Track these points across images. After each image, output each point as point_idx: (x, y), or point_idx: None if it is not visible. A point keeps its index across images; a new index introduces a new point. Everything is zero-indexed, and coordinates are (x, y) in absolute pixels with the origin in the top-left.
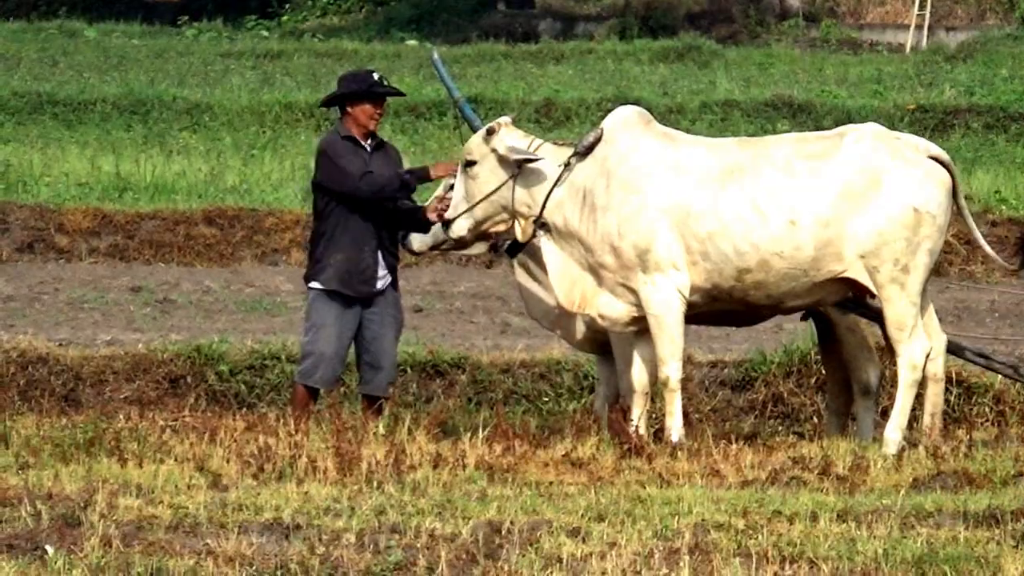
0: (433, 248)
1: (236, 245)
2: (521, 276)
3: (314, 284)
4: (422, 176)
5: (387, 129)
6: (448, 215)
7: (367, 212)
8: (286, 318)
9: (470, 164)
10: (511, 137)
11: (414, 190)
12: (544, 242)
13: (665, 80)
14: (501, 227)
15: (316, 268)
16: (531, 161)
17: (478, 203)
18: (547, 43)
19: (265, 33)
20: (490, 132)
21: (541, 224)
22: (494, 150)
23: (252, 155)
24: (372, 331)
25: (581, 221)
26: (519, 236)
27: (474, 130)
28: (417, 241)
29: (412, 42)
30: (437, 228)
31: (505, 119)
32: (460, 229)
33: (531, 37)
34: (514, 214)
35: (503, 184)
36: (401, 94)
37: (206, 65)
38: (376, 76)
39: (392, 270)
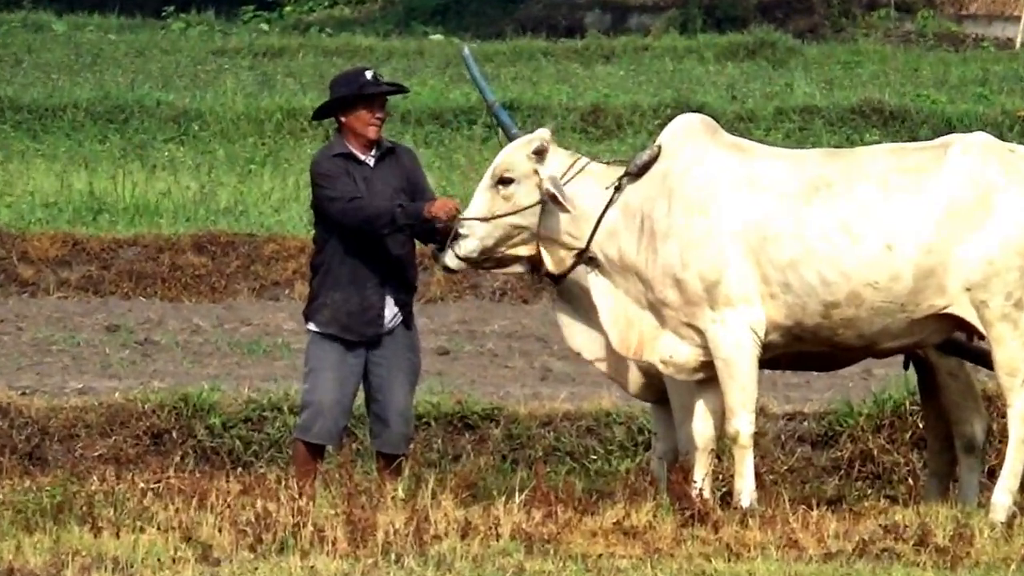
0: (470, 264)
1: (230, 276)
2: (564, 305)
3: (312, 326)
4: (415, 215)
5: (407, 141)
6: (462, 231)
7: (369, 239)
8: (289, 362)
9: (505, 182)
10: (556, 158)
11: (406, 231)
12: (593, 278)
13: (734, 82)
14: (522, 251)
15: (314, 307)
16: (560, 203)
17: (501, 221)
18: (595, 38)
19: (264, 27)
20: (540, 152)
21: (589, 258)
22: (535, 173)
23: (249, 171)
24: (379, 376)
25: (638, 251)
26: (551, 267)
27: (510, 138)
28: (451, 258)
29: (437, 37)
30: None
31: (545, 132)
32: (469, 248)
33: (576, 31)
34: (543, 242)
35: (535, 208)
36: (401, 90)
37: (195, 64)
38: (369, 74)
39: (405, 306)
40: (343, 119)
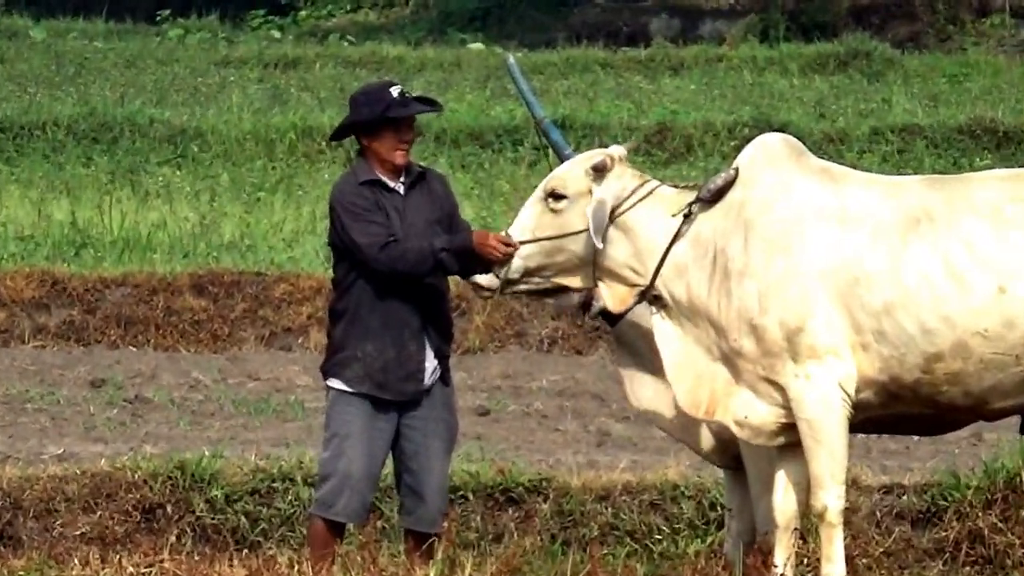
0: (506, 287)
1: (235, 322)
2: (624, 354)
3: (335, 383)
4: (461, 248)
5: (442, 165)
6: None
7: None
8: (303, 423)
9: (556, 197)
10: (621, 180)
11: (453, 271)
12: (658, 321)
13: (822, 98)
14: (574, 281)
15: (337, 360)
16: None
17: (547, 242)
18: (661, 47)
19: (276, 34)
20: (599, 170)
21: (654, 297)
22: (591, 194)
23: (257, 199)
24: (414, 443)
25: (710, 292)
26: (609, 303)
27: (563, 159)
28: (485, 279)
29: (476, 46)
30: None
31: (618, 150)
32: (515, 267)
33: (639, 39)
34: (599, 273)
35: (583, 233)
36: (434, 108)
37: (196, 76)
38: (395, 91)
39: (444, 358)
40: (366, 143)
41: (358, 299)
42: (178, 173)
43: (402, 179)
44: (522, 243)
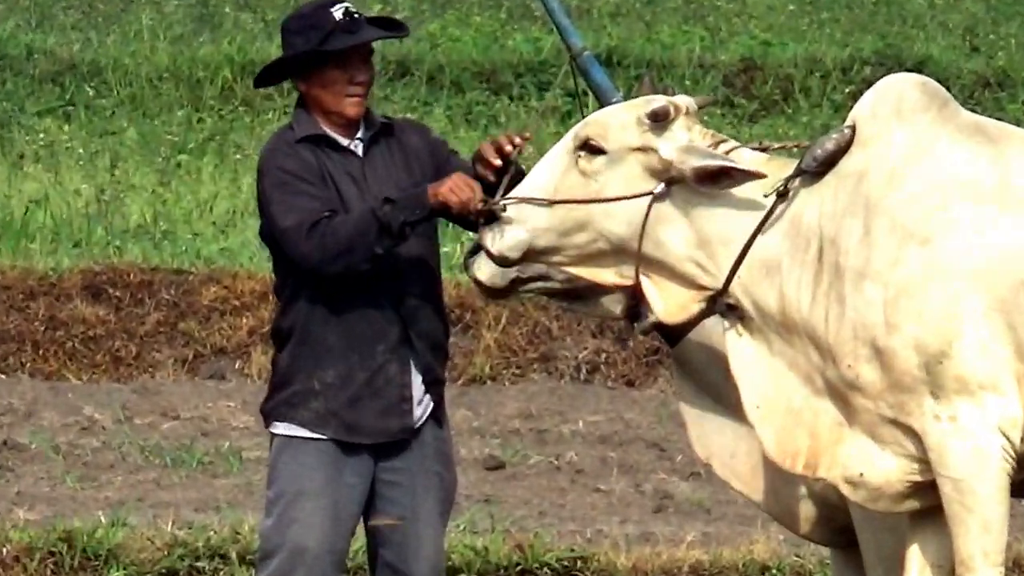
0: (519, 284)
1: (145, 339)
2: (688, 386)
3: (284, 427)
4: (414, 206)
5: (438, 119)
6: (507, 213)
7: (364, 274)
8: (240, 480)
9: (591, 150)
10: (681, 138)
11: (405, 235)
12: (734, 340)
13: (975, 23)
14: (607, 276)
15: (286, 397)
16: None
17: (572, 212)
18: None
19: None
20: (657, 117)
21: (728, 306)
22: (648, 149)
23: (177, 165)
24: (397, 504)
25: (813, 300)
26: (662, 313)
27: (602, 99)
28: (487, 268)
29: None
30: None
31: (688, 100)
32: (511, 241)
33: None
34: (648, 268)
35: (636, 208)
36: (394, 32)
37: None
38: (338, 11)
39: (437, 384)
40: (303, 87)
41: (309, 309)
42: (65, 127)
43: (359, 135)
44: (518, 201)
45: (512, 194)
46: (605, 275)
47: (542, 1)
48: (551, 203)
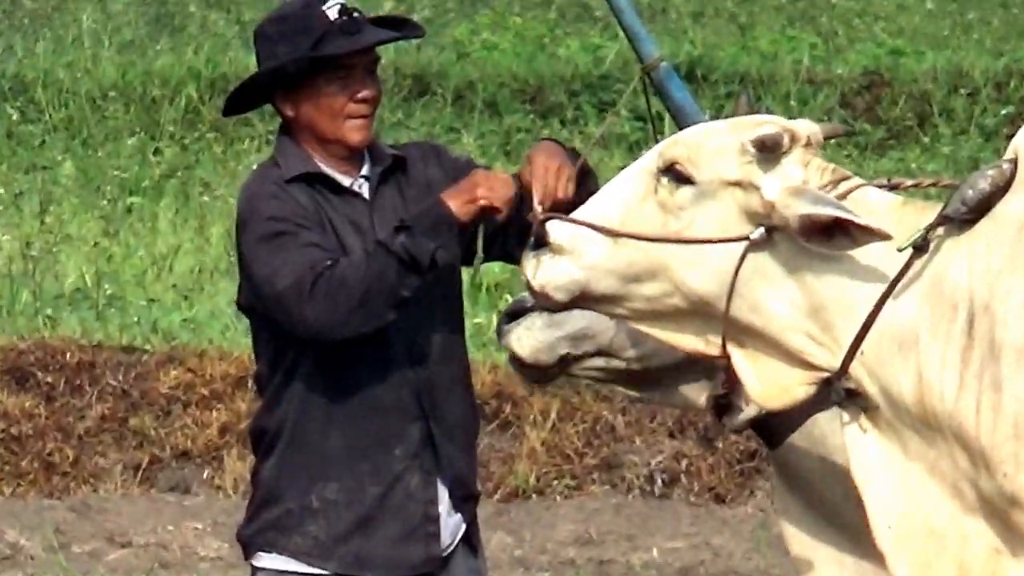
0: (570, 364)
1: (87, 440)
2: (791, 496)
3: (270, 559)
4: (436, 220)
5: (470, 146)
6: (556, 237)
7: (380, 335)
8: None
9: (679, 178)
10: (794, 173)
11: (436, 265)
12: (855, 436)
13: None
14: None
15: (272, 519)
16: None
17: (641, 251)
18: None
19: None
20: (765, 147)
21: (847, 392)
22: (749, 186)
23: (128, 209)
24: None
25: (962, 385)
26: (760, 397)
27: (682, 123)
28: (530, 340)
29: None
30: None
31: (811, 128)
32: (560, 278)
33: None
34: (740, 337)
35: (727, 256)
36: (408, 33)
37: None
38: (332, 9)
39: (469, 500)
40: (288, 109)
41: (304, 402)
42: None
43: (363, 171)
44: (573, 223)
45: (575, 215)
46: (684, 338)
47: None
48: (615, 235)
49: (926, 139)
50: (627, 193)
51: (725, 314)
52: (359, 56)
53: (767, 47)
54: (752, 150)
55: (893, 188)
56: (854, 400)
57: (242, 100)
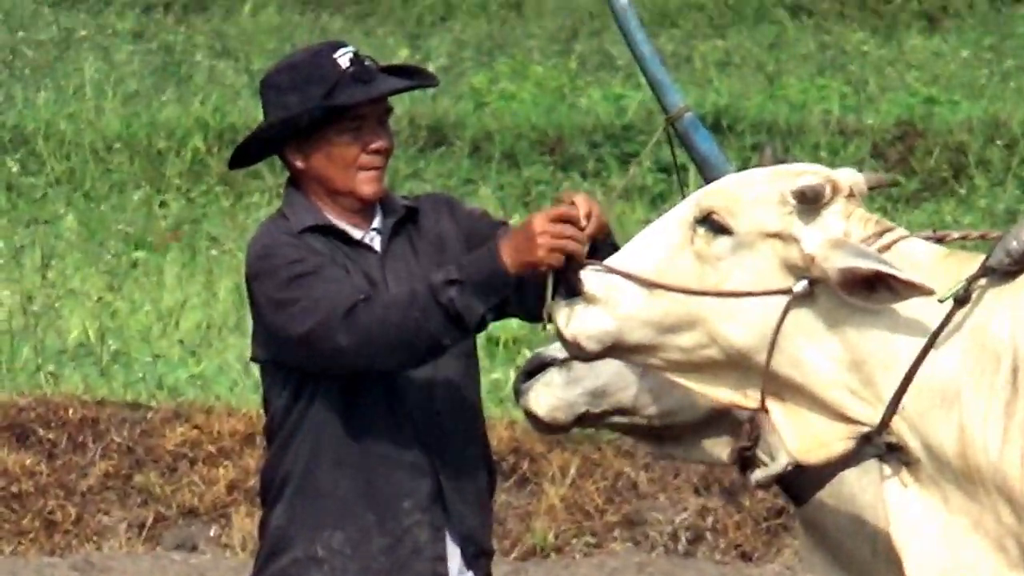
0: (589, 421)
1: (90, 497)
2: (818, 553)
3: None
4: (487, 269)
5: (487, 199)
6: (590, 287)
7: (393, 387)
8: None
9: (717, 228)
10: (844, 224)
11: (484, 326)
12: (895, 491)
13: None
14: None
15: (278, 568)
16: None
17: (677, 304)
18: None
19: None
20: (805, 198)
21: (888, 447)
22: (789, 238)
23: (133, 264)
24: None
25: (1006, 440)
26: (797, 451)
27: (708, 174)
28: (547, 398)
29: None
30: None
31: (855, 178)
32: (593, 328)
33: None
34: (778, 390)
35: (767, 310)
36: (421, 82)
37: (17, 27)
38: (344, 58)
39: (482, 557)
40: (299, 161)
41: (314, 450)
42: None
43: (375, 224)
44: (607, 271)
45: (607, 263)
46: (720, 390)
47: (629, 46)
48: (652, 286)
49: (961, 191)
50: (662, 242)
51: (766, 368)
52: (372, 106)
53: (795, 96)
54: (792, 201)
55: (939, 240)
56: (895, 454)
57: (250, 152)
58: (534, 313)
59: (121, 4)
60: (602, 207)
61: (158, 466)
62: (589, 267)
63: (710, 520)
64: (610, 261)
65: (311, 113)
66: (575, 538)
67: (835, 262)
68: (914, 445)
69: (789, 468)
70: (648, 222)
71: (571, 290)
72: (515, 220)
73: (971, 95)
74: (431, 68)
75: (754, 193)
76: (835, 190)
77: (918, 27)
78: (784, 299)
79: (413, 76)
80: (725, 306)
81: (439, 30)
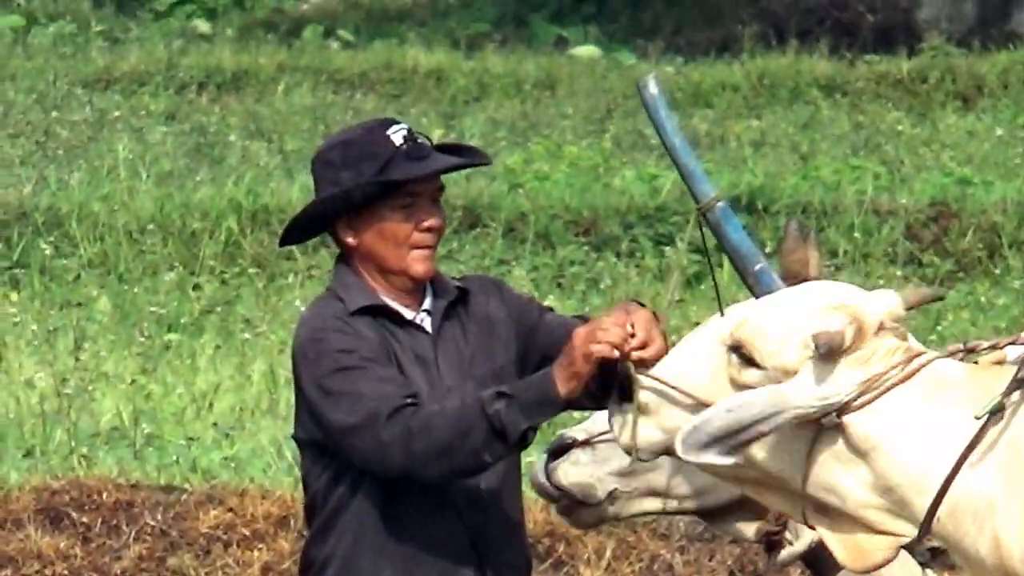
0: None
1: None
2: None
3: None
4: (542, 401)
5: (520, 279)
6: (642, 397)
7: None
8: None
9: (746, 360)
10: (866, 366)
11: (526, 443)
12: None
13: None
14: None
15: None
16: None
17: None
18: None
19: (204, 26)
20: (828, 351)
21: (931, 552)
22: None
23: (166, 347)
24: None
25: None
26: (846, 563)
27: (739, 265)
28: (577, 474)
29: (586, 50)
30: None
31: (889, 305)
32: (645, 438)
33: (896, 39)
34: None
35: (791, 435)
36: (474, 160)
37: (49, 107)
38: (398, 135)
39: None
40: (351, 238)
41: (357, 533)
42: (13, 297)
43: (425, 305)
44: (659, 385)
45: (656, 373)
46: (769, 500)
47: (659, 135)
48: (697, 404)
49: (996, 271)
50: (704, 361)
51: (802, 492)
52: (425, 183)
53: (830, 177)
54: (814, 346)
55: (970, 351)
56: (938, 559)
57: (300, 228)
58: (583, 405)
59: (155, 84)
60: (639, 291)
61: (192, 549)
62: (642, 378)
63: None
64: (657, 371)
65: (364, 189)
66: None
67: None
68: (958, 554)
69: (812, 547)
70: (683, 302)
71: (624, 391)
72: (549, 301)
73: (1006, 175)
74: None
75: (779, 332)
76: (859, 334)
77: (953, 107)
78: (812, 429)
79: (465, 154)
80: (763, 436)
81: (473, 109)
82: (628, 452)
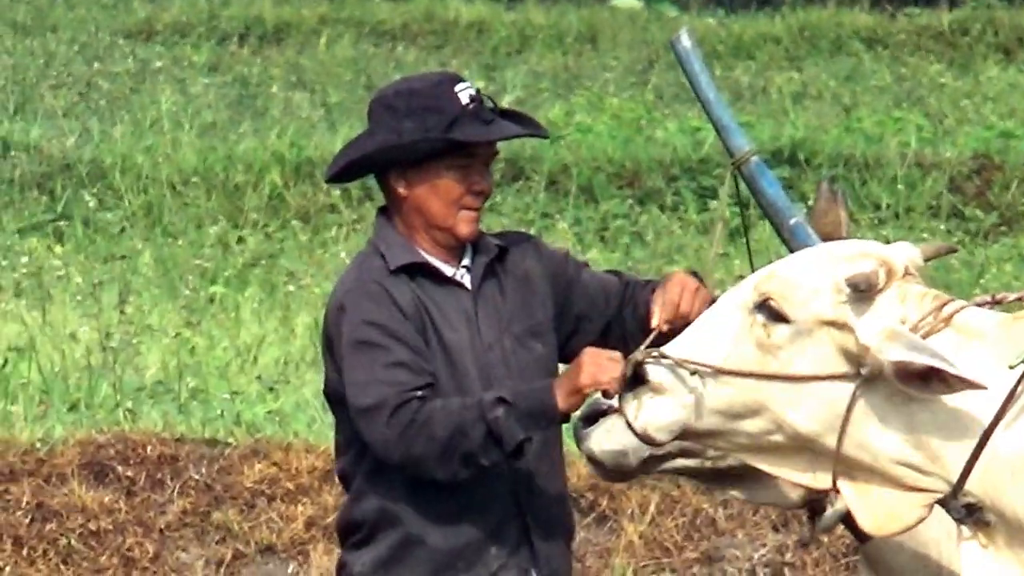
0: (652, 465)
1: (168, 534)
2: None
3: None
4: (539, 414)
5: (562, 234)
6: (655, 376)
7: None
8: None
9: (774, 316)
10: (902, 306)
11: (522, 454)
12: (973, 553)
13: None
14: (783, 471)
15: None
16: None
17: (744, 389)
18: (981, 5)
19: None
20: (859, 288)
21: (966, 508)
22: (844, 326)
23: (210, 300)
24: None
25: None
26: (871, 529)
27: (774, 219)
28: (610, 442)
29: (628, 3)
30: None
31: (910, 254)
32: (660, 419)
33: None
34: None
35: (833, 392)
36: (535, 132)
37: (91, 59)
38: (464, 94)
39: None
40: (402, 188)
41: (398, 494)
42: (57, 250)
43: (465, 261)
44: (674, 362)
45: (668, 350)
46: (791, 472)
47: (693, 89)
48: (718, 372)
49: None
50: (724, 329)
51: (836, 452)
52: (486, 147)
53: (872, 129)
54: (847, 289)
55: (997, 303)
56: (973, 515)
57: (352, 169)
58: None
59: (197, 36)
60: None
61: (236, 503)
62: (654, 357)
63: (788, 556)
64: (671, 348)
65: (432, 143)
66: (654, 574)
67: (889, 355)
68: (993, 511)
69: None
70: (726, 255)
71: (637, 377)
72: (592, 254)
73: None
74: (506, 100)
75: (809, 282)
76: (890, 275)
77: (994, 59)
78: (846, 383)
79: (526, 124)
80: (788, 393)
81: (514, 62)
82: (641, 436)
